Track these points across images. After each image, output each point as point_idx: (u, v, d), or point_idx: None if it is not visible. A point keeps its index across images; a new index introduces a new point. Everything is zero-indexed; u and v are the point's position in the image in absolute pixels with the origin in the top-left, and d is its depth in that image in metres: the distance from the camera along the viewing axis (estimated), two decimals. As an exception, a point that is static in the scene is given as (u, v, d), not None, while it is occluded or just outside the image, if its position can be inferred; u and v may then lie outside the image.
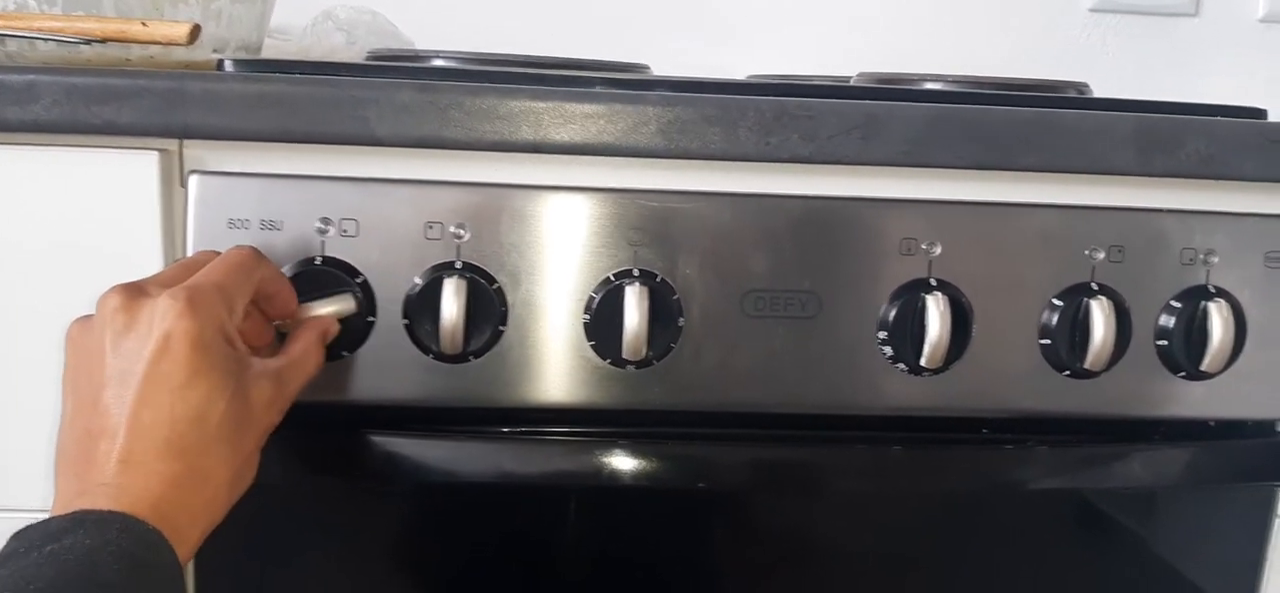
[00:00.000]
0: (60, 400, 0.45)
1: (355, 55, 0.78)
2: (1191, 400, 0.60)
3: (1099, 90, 0.74)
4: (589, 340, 0.55)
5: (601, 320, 0.54)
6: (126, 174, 0.51)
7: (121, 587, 0.38)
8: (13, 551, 0.39)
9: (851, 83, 0.71)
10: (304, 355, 0.49)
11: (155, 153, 0.51)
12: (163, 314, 0.42)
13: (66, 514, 0.40)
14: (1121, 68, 1.14)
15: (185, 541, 0.42)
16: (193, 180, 0.52)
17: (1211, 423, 0.62)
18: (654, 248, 0.54)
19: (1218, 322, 0.57)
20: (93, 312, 0.45)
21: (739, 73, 0.92)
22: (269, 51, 0.78)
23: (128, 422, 0.42)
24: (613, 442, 0.57)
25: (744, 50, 1.06)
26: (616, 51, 0.84)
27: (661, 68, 0.80)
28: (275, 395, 0.46)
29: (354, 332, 0.53)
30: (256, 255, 0.48)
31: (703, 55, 1.04)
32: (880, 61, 1.04)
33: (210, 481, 0.43)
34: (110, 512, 0.40)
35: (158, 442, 0.42)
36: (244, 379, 0.45)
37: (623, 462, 0.56)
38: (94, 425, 0.42)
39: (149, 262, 0.52)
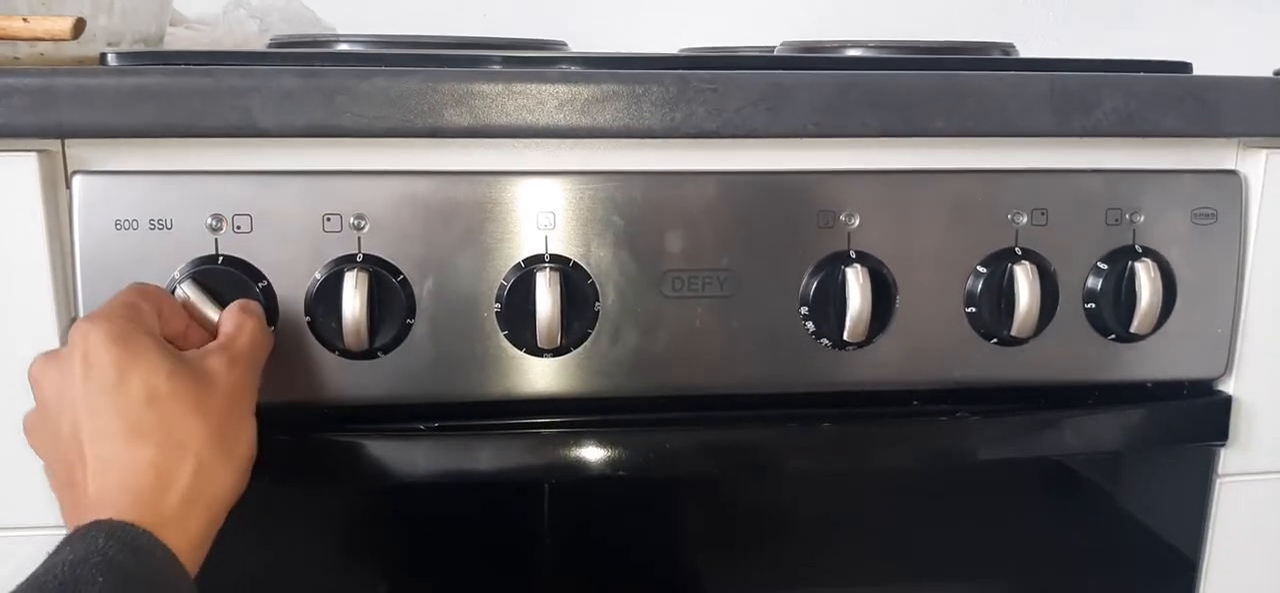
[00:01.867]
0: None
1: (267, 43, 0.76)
2: (1125, 363, 0.59)
3: (1067, 50, 0.72)
4: (502, 330, 0.53)
5: (513, 309, 0.53)
6: (5, 177, 0.49)
7: None
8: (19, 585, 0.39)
9: (775, 52, 0.69)
10: (237, 324, 0.48)
11: (35, 154, 0.49)
12: (77, 336, 0.44)
13: (62, 540, 0.40)
14: (1092, 23, 1.11)
15: (185, 526, 0.42)
16: (77, 181, 0.50)
17: (1148, 385, 0.61)
18: (566, 231, 0.53)
19: (1145, 282, 0.56)
20: None
21: (672, 46, 0.91)
22: (183, 42, 0.76)
23: (86, 437, 0.42)
24: (531, 433, 0.55)
25: (679, 23, 1.04)
26: (546, 28, 0.83)
27: (592, 44, 0.78)
28: (229, 361, 0.46)
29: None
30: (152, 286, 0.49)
31: (636, 29, 1.02)
32: (829, 28, 1.03)
33: (188, 451, 0.43)
34: (94, 522, 0.40)
35: (118, 437, 0.42)
36: (184, 358, 0.45)
37: (541, 454, 0.55)
38: (67, 457, 0.43)
39: (35, 267, 0.50)
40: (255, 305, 0.50)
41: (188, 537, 0.42)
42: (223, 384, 0.45)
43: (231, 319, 0.49)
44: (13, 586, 0.38)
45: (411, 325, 0.52)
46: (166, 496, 0.42)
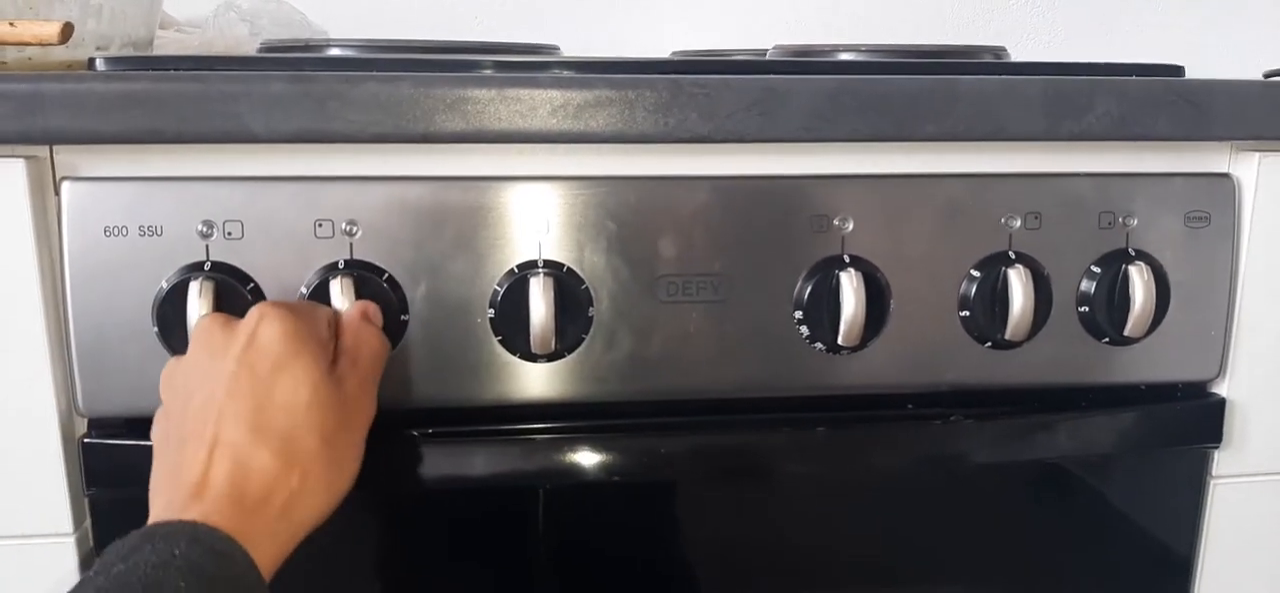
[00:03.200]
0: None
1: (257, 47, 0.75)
2: (1118, 366, 0.59)
3: (1056, 54, 0.71)
4: (496, 335, 0.53)
5: (507, 314, 0.52)
6: (-7, 184, 0.48)
7: None
8: (92, 571, 0.38)
9: (767, 56, 0.69)
10: (356, 333, 0.48)
11: (22, 160, 0.48)
12: (253, 315, 0.45)
13: (142, 530, 0.39)
14: (1082, 27, 1.11)
15: (274, 538, 0.41)
16: (65, 187, 0.49)
17: (1142, 387, 0.61)
18: (559, 236, 0.53)
19: (1139, 285, 0.56)
20: None
21: (664, 50, 0.90)
22: (173, 46, 0.76)
23: (216, 415, 0.42)
24: (525, 439, 0.55)
25: (670, 26, 1.04)
26: (538, 32, 0.82)
27: (585, 47, 0.78)
28: (361, 381, 0.46)
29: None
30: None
31: (629, 33, 1.02)
32: (820, 32, 1.03)
33: (299, 466, 0.42)
34: (181, 522, 0.39)
35: (245, 428, 0.42)
36: (334, 371, 0.45)
37: (535, 460, 0.55)
38: (186, 431, 0.43)
39: (23, 275, 0.49)
40: (375, 309, 0.50)
41: (273, 549, 0.41)
42: (355, 411, 0.45)
43: (352, 330, 0.48)
44: (80, 579, 0.38)
45: (404, 331, 0.52)
46: (266, 507, 0.41)
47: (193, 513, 0.40)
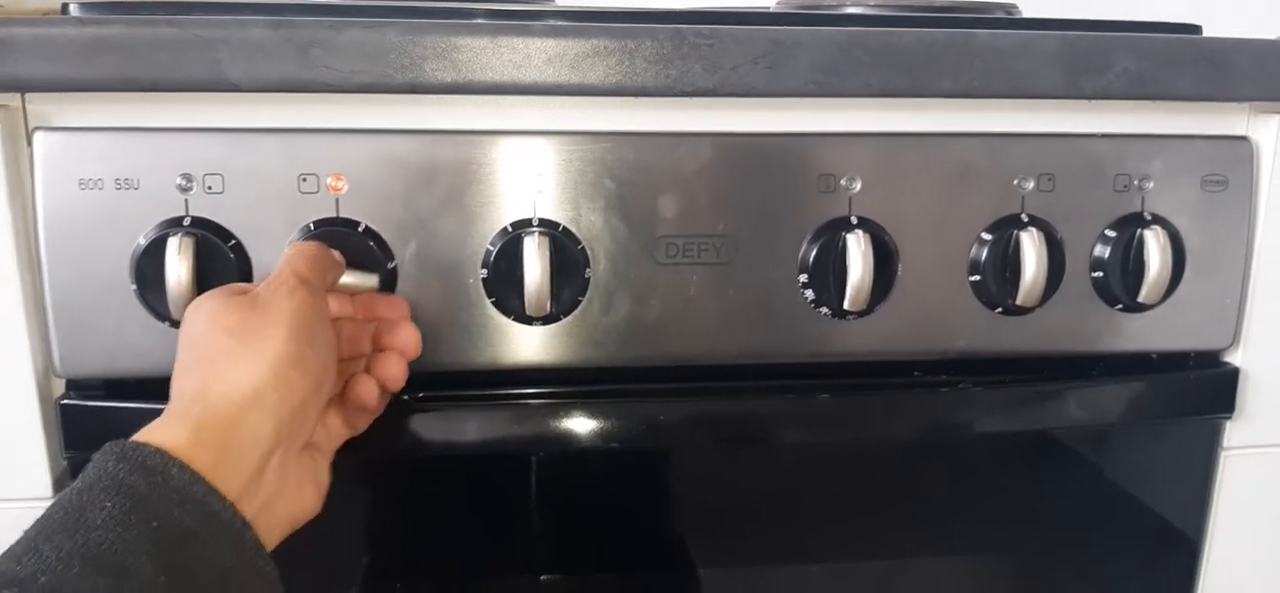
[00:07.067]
0: None
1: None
2: (1131, 333, 0.57)
3: (1066, 10, 0.69)
4: (489, 297, 0.51)
5: (500, 275, 0.50)
6: (-39, 134, 0.46)
7: (112, 524, 0.35)
8: None
9: (771, 9, 0.67)
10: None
11: (-8, 109, 0.46)
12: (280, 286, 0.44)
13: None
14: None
15: (208, 433, 0.39)
16: (38, 137, 0.47)
17: (1154, 356, 0.59)
18: (555, 194, 0.51)
19: (1155, 250, 0.54)
20: None
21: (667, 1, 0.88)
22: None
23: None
24: (519, 404, 0.53)
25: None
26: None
27: None
28: (273, 282, 0.44)
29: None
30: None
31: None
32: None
33: (207, 361, 0.41)
34: (109, 444, 0.38)
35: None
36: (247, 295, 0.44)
37: (529, 425, 0.53)
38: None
39: (-4, 229, 0.47)
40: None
41: (233, 464, 0.39)
42: (253, 301, 0.43)
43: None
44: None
45: (393, 290, 0.50)
46: (188, 407, 0.40)
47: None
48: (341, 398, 0.48)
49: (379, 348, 0.49)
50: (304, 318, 0.42)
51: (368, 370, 0.48)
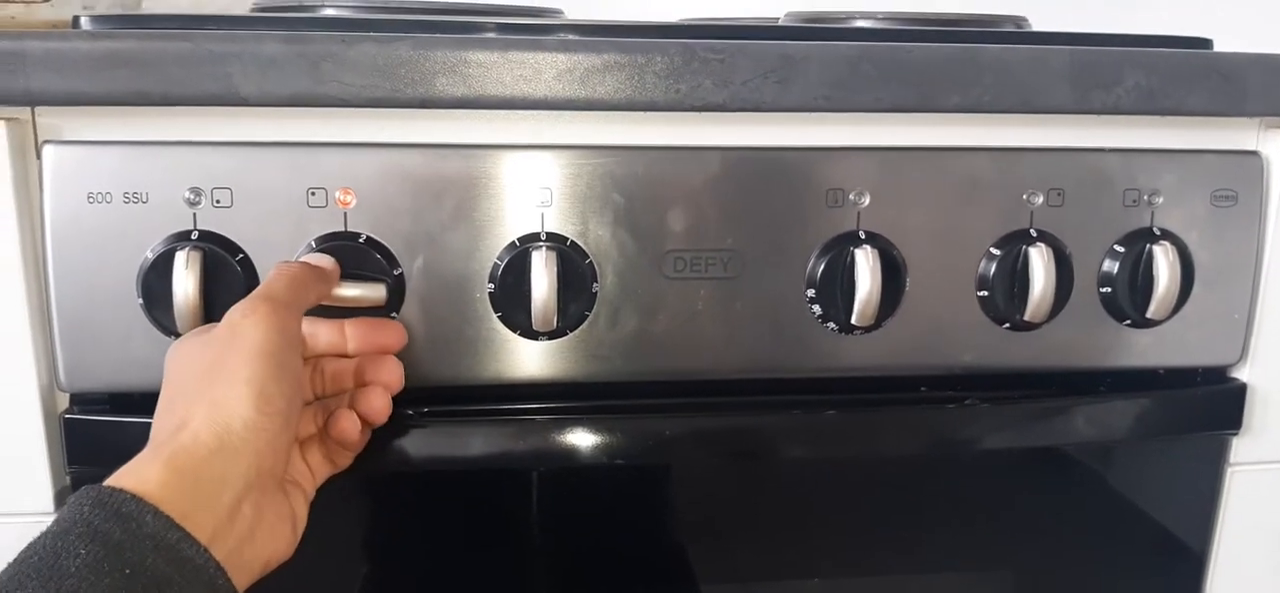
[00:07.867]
0: None
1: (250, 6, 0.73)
2: (1139, 349, 0.57)
3: (1076, 26, 0.69)
4: (496, 311, 0.51)
5: (507, 289, 0.50)
6: (-30, 147, 0.46)
7: (86, 572, 0.35)
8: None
9: (779, 23, 0.67)
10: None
11: (2, 122, 0.46)
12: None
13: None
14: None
15: (182, 473, 0.39)
16: (47, 151, 0.47)
17: (1161, 372, 0.59)
18: (563, 208, 0.50)
19: (1163, 265, 0.54)
20: None
21: (672, 16, 0.87)
22: (162, 4, 0.73)
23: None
24: (524, 419, 0.53)
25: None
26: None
27: (588, 12, 0.75)
28: (245, 308, 0.43)
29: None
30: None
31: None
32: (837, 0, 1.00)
33: (182, 402, 0.41)
34: (84, 488, 0.38)
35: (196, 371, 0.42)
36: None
37: (535, 441, 0.53)
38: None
39: (3, 243, 0.47)
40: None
41: (205, 507, 0.39)
42: (227, 333, 0.42)
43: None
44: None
45: (400, 307, 0.50)
46: (161, 449, 0.39)
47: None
48: (322, 433, 0.47)
49: (362, 382, 0.48)
50: (266, 353, 0.41)
51: (351, 404, 0.48)
